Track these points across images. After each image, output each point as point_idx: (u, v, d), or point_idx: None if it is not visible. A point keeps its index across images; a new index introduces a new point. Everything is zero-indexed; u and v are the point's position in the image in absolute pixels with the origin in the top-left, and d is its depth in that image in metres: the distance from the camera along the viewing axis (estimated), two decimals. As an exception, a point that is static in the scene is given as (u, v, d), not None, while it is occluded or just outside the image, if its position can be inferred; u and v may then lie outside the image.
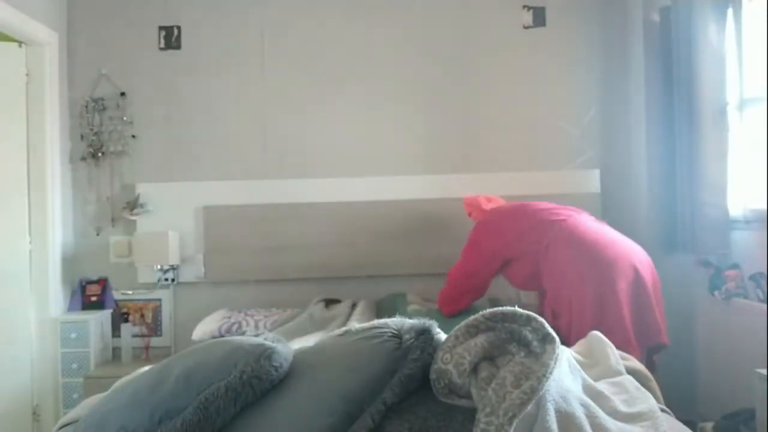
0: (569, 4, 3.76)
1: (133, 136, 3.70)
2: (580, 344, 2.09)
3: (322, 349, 1.71)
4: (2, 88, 3.36)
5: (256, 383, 1.49)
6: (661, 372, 3.38)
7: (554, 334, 1.49)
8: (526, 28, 3.76)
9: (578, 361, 1.93)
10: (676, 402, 3.07)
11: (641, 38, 3.55)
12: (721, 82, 3.06)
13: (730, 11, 3.05)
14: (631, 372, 1.90)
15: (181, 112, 3.72)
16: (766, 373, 2.33)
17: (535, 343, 1.47)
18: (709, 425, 2.68)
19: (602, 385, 1.76)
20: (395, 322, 1.57)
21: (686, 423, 1.83)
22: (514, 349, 1.48)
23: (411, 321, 1.57)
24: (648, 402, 1.68)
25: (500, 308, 1.55)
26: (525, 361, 1.43)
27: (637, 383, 1.80)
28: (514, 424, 1.31)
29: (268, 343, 1.59)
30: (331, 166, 3.73)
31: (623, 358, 1.98)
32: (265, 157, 3.72)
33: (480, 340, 1.49)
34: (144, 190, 3.65)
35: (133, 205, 3.61)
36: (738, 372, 2.76)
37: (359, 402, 1.42)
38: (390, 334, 1.52)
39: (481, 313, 1.55)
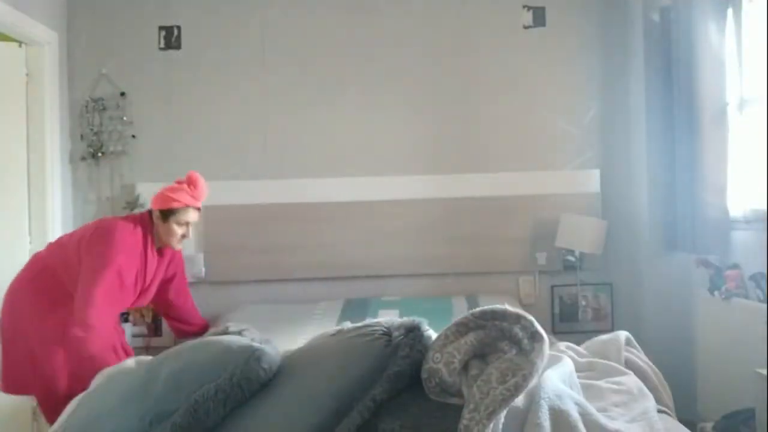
0: (569, 4, 3.76)
1: (133, 136, 3.70)
2: (592, 342, 2.12)
3: (312, 347, 1.72)
4: (2, 88, 3.36)
5: (245, 384, 1.51)
6: (662, 372, 3.38)
7: (543, 332, 1.49)
8: (526, 28, 3.76)
9: (585, 358, 1.95)
10: (676, 402, 3.07)
11: (641, 38, 3.55)
12: (721, 82, 3.06)
13: (730, 11, 3.04)
14: (637, 371, 1.91)
15: (181, 112, 3.72)
16: (766, 373, 2.33)
17: (525, 341, 1.47)
18: (709, 425, 2.68)
19: (605, 384, 1.76)
20: (386, 320, 1.59)
21: (686, 423, 1.83)
22: (506, 347, 1.49)
23: (401, 319, 1.59)
24: (646, 402, 1.68)
25: (490, 307, 1.56)
26: (513, 358, 1.44)
27: (640, 383, 1.80)
28: (494, 419, 1.32)
29: (256, 344, 1.61)
30: (331, 166, 3.73)
31: (633, 355, 2.00)
32: (265, 157, 3.72)
33: (470, 338, 1.50)
34: (144, 190, 3.65)
35: (133, 205, 3.61)
36: (738, 372, 2.75)
37: (349, 399, 1.44)
38: (380, 332, 1.54)
39: (470, 311, 1.57)
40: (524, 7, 3.76)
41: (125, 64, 3.72)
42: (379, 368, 1.47)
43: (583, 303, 3.71)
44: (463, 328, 1.53)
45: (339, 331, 1.71)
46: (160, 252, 2.85)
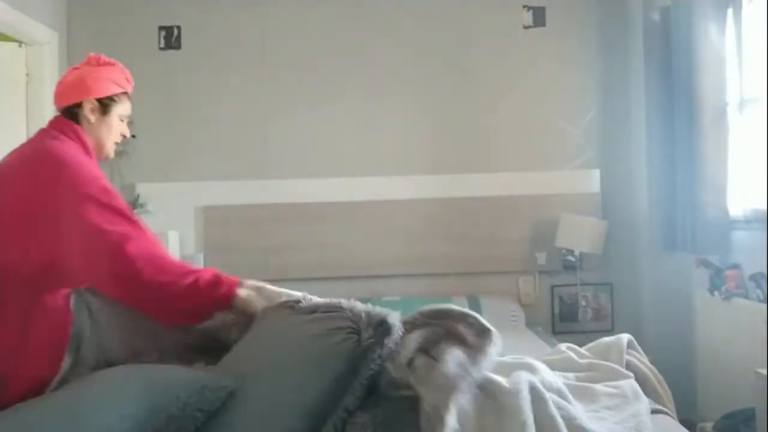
0: (569, 4, 3.76)
1: (133, 136, 3.69)
2: (596, 344, 2.13)
3: (276, 335, 1.59)
4: (2, 88, 3.36)
5: (198, 415, 1.38)
6: (661, 372, 3.38)
7: (489, 326, 1.51)
8: (526, 28, 3.76)
9: (586, 359, 1.96)
10: (676, 402, 3.07)
11: (641, 38, 3.55)
12: (721, 82, 3.06)
13: (730, 11, 3.05)
14: (637, 374, 1.92)
15: (181, 112, 3.72)
16: (766, 373, 2.33)
17: (470, 338, 1.49)
18: (709, 425, 2.68)
19: (601, 387, 1.76)
20: (350, 308, 1.50)
21: (686, 423, 1.84)
22: (451, 341, 1.50)
23: (366, 308, 1.50)
24: (638, 405, 1.68)
25: (435, 306, 1.57)
26: (464, 351, 1.47)
27: (636, 387, 1.80)
28: (455, 397, 1.34)
29: (204, 374, 1.48)
30: (331, 166, 3.74)
31: (635, 358, 2.01)
32: (265, 157, 3.72)
33: (415, 336, 1.51)
34: (144, 190, 3.65)
35: (133, 205, 3.61)
36: (738, 372, 2.75)
37: (321, 413, 1.36)
38: (348, 330, 1.44)
39: (417, 310, 1.58)
40: (524, 7, 3.76)
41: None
42: (350, 373, 1.40)
43: (583, 303, 3.71)
44: (408, 325, 1.53)
45: (298, 308, 1.59)
46: None
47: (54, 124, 1.86)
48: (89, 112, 1.87)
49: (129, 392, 1.39)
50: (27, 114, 3.40)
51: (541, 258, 3.68)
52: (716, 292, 2.98)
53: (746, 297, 2.86)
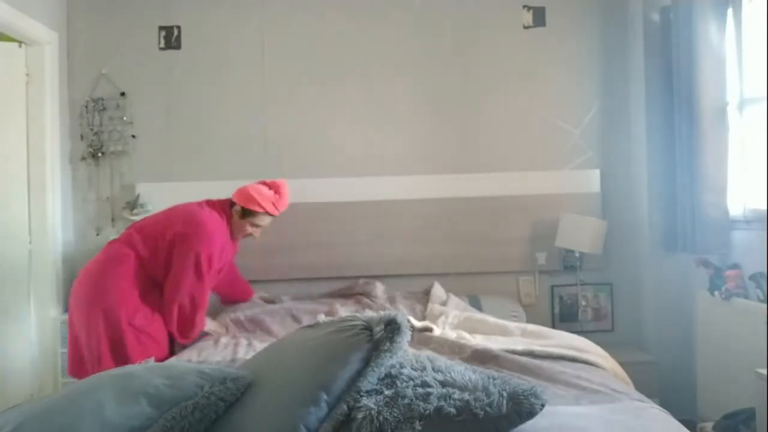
0: (569, 4, 3.76)
1: (133, 136, 3.70)
2: None
3: (294, 340, 1.80)
4: (2, 88, 3.36)
5: (221, 405, 1.58)
6: (662, 372, 3.39)
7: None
8: (526, 28, 3.76)
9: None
10: (676, 401, 3.08)
11: (641, 38, 3.56)
12: (721, 82, 3.06)
13: (730, 11, 3.05)
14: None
15: (181, 112, 3.72)
16: (766, 373, 2.33)
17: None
18: (709, 425, 2.68)
19: None
20: (364, 316, 1.68)
21: (686, 423, 1.83)
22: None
23: (378, 314, 1.66)
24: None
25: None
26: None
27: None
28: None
29: (227, 369, 1.71)
30: (331, 166, 3.74)
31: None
32: (264, 157, 3.72)
33: None
34: (144, 190, 3.65)
35: (133, 205, 3.61)
36: (738, 372, 2.76)
37: (337, 391, 1.51)
38: (360, 326, 1.62)
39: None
40: (524, 7, 3.76)
41: (125, 64, 3.72)
42: (362, 360, 1.55)
43: (583, 303, 3.71)
44: None
45: (316, 324, 1.80)
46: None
47: (224, 201, 3.02)
48: (234, 211, 3.00)
49: (157, 384, 1.61)
50: (27, 114, 3.40)
51: (541, 258, 3.68)
52: (716, 292, 2.98)
53: (746, 297, 2.86)
